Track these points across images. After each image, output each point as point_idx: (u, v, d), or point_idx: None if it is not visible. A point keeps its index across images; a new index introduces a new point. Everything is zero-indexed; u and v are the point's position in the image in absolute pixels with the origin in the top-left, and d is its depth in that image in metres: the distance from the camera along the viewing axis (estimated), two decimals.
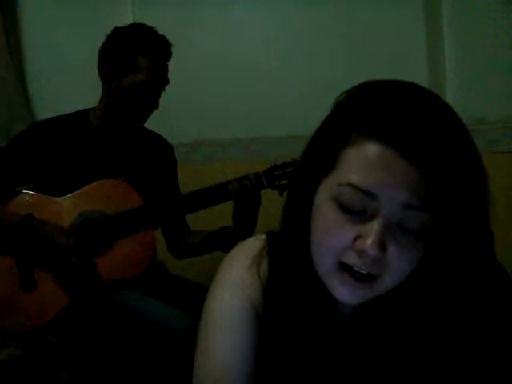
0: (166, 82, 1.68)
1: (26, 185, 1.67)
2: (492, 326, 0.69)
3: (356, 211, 0.63)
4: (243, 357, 0.73)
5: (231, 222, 1.62)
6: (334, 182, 0.65)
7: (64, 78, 2.43)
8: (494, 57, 1.96)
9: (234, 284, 0.76)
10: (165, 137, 1.85)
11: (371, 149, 0.62)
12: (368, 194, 0.62)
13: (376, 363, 0.72)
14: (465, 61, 2.02)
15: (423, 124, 0.62)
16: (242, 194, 1.56)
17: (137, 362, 1.51)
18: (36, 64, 2.51)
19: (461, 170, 0.62)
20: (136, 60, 1.60)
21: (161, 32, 1.66)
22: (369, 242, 0.62)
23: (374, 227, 0.62)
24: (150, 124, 1.76)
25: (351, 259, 0.64)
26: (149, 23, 1.68)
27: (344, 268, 0.65)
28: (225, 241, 1.65)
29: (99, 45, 1.68)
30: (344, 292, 0.66)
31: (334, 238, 0.65)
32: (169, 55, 1.66)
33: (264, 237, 0.80)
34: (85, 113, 1.72)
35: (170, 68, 1.69)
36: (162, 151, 1.81)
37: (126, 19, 1.99)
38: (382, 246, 0.62)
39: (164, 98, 1.70)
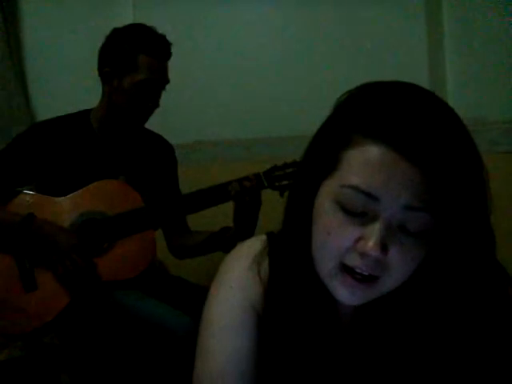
0: (167, 81, 1.68)
1: (27, 185, 1.67)
2: (492, 325, 0.69)
3: (357, 213, 0.63)
4: (244, 358, 0.73)
5: (232, 222, 1.63)
6: (335, 183, 0.65)
7: (64, 79, 2.44)
8: (495, 57, 1.96)
9: (235, 284, 0.76)
10: (165, 137, 1.85)
11: (373, 151, 0.62)
12: (370, 196, 0.62)
13: (377, 363, 0.72)
14: (465, 61, 2.01)
15: (424, 126, 0.62)
16: (243, 194, 1.56)
17: (137, 362, 1.51)
18: (36, 64, 2.51)
19: (462, 171, 0.62)
20: (136, 59, 1.61)
21: (161, 32, 1.66)
22: (370, 243, 0.62)
23: (375, 229, 0.62)
24: (150, 124, 1.76)
25: (353, 261, 0.65)
26: (149, 23, 1.68)
27: (345, 269, 0.66)
28: (225, 241, 1.65)
29: (99, 45, 1.69)
30: (345, 293, 0.67)
31: (335, 239, 0.65)
32: (169, 54, 1.67)
33: (264, 237, 0.80)
34: (85, 113, 1.73)
35: (170, 68, 1.69)
36: (162, 151, 1.82)
37: (126, 19, 1.99)
38: (383, 248, 0.62)
39: (164, 99, 1.70)
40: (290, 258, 0.73)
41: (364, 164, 0.63)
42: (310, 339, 0.73)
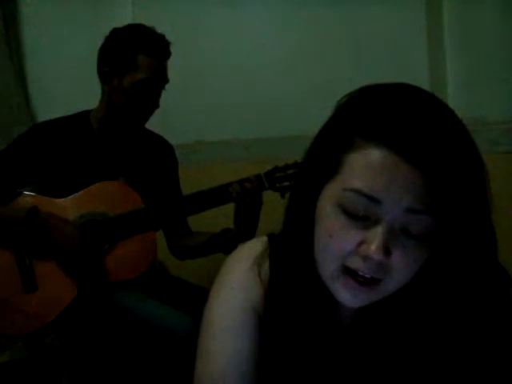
0: (166, 80, 1.68)
1: (27, 186, 1.67)
2: (493, 327, 0.69)
3: (360, 216, 0.63)
4: (244, 359, 0.73)
5: (232, 223, 1.63)
6: (337, 187, 0.65)
7: (64, 79, 2.43)
8: (495, 57, 1.96)
9: (236, 286, 0.76)
10: (165, 137, 1.85)
11: (375, 154, 0.62)
12: (372, 199, 0.62)
13: (378, 365, 0.72)
14: (465, 61, 2.01)
15: (425, 128, 0.62)
16: (244, 196, 1.56)
17: (137, 363, 1.51)
18: (36, 64, 2.51)
19: (463, 172, 0.62)
20: (136, 59, 1.61)
21: (160, 31, 1.66)
22: (373, 247, 0.62)
23: (378, 232, 0.63)
24: (150, 124, 1.76)
25: (355, 263, 0.65)
26: (149, 23, 1.69)
27: (347, 272, 0.66)
28: (226, 243, 1.65)
29: (99, 45, 1.69)
30: (347, 296, 0.67)
31: (337, 242, 0.65)
32: (168, 54, 1.67)
33: (265, 239, 0.80)
34: (85, 114, 1.73)
35: (170, 68, 1.69)
36: (162, 152, 1.82)
37: (126, 19, 1.99)
38: (386, 251, 0.62)
39: (164, 99, 1.70)
40: (290, 260, 0.73)
41: (366, 167, 0.63)
42: (311, 341, 0.73)
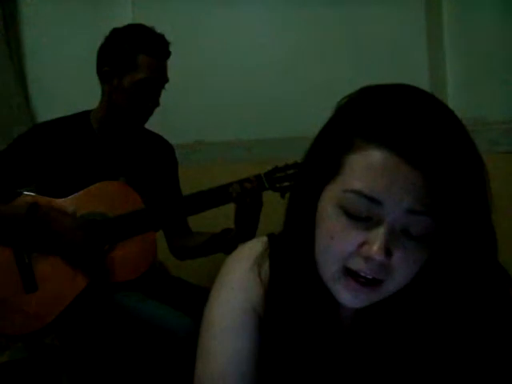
0: (166, 80, 1.69)
1: (27, 186, 1.67)
2: (494, 328, 0.69)
3: (362, 218, 0.64)
4: (244, 359, 0.73)
5: (233, 223, 1.63)
6: (338, 188, 0.65)
7: (64, 79, 2.43)
8: (495, 57, 1.96)
9: (236, 286, 0.76)
10: (165, 137, 1.85)
11: (375, 155, 0.62)
12: (373, 200, 0.62)
13: (378, 366, 0.72)
14: (465, 61, 2.01)
15: (425, 129, 0.62)
16: (244, 196, 1.56)
17: (138, 363, 1.51)
18: (36, 64, 2.51)
19: (463, 173, 0.62)
20: (136, 59, 1.61)
21: (160, 31, 1.66)
22: (375, 248, 0.62)
23: (379, 233, 0.63)
24: (150, 124, 1.76)
25: (357, 264, 0.65)
26: (149, 23, 1.69)
27: (349, 273, 0.66)
28: (226, 243, 1.65)
29: (99, 45, 1.69)
30: (348, 297, 0.67)
31: (339, 244, 0.65)
32: (168, 53, 1.67)
33: (265, 239, 0.80)
34: (85, 114, 1.73)
35: (170, 68, 1.69)
36: (162, 152, 1.82)
37: (125, 19, 1.99)
38: (387, 252, 0.63)
39: (164, 99, 1.70)
40: (291, 260, 0.73)
41: (366, 168, 0.63)
42: (311, 341, 0.73)
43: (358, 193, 0.63)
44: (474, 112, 1.92)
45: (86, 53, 1.76)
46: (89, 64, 1.71)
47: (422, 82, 1.88)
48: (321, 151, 0.69)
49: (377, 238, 0.63)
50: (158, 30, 1.67)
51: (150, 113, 1.70)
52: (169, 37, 1.67)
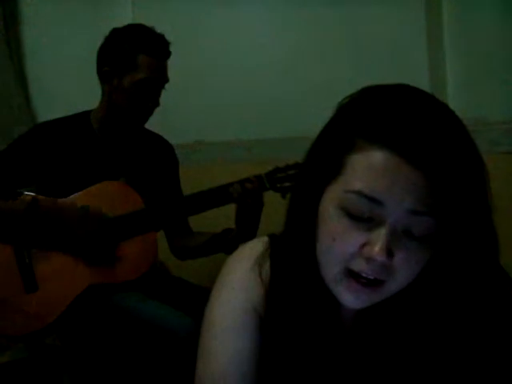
0: (166, 80, 1.69)
1: (28, 186, 1.67)
2: (494, 329, 0.69)
3: (364, 218, 0.64)
4: (245, 359, 0.73)
5: (233, 223, 1.63)
6: (339, 188, 0.65)
7: (64, 79, 2.43)
8: (495, 57, 1.96)
9: (237, 286, 0.77)
10: (165, 137, 1.85)
11: (377, 156, 0.62)
12: (374, 200, 0.62)
13: (378, 366, 0.72)
14: (465, 61, 2.01)
15: (426, 130, 0.62)
16: (245, 196, 1.56)
17: (138, 363, 1.51)
18: (36, 65, 2.51)
19: (463, 173, 0.63)
20: (136, 59, 1.61)
21: (160, 31, 1.67)
22: (377, 249, 0.62)
23: (381, 234, 0.63)
24: (150, 124, 1.76)
25: (358, 265, 0.65)
26: (149, 23, 1.69)
27: (351, 274, 0.66)
28: (227, 243, 1.65)
29: (99, 45, 1.69)
30: (350, 298, 0.67)
31: (340, 245, 0.65)
32: (168, 53, 1.67)
33: (266, 239, 0.80)
34: (85, 114, 1.73)
35: (170, 68, 1.70)
36: (163, 152, 1.82)
37: (126, 19, 1.99)
38: (389, 253, 0.63)
39: (165, 99, 1.70)
40: (292, 260, 0.73)
41: (368, 169, 0.63)
42: (312, 341, 0.73)
43: (359, 193, 0.63)
44: (474, 112, 1.92)
45: (86, 53, 1.77)
46: (89, 64, 1.72)
47: (422, 82, 1.88)
48: (322, 151, 0.69)
49: (378, 239, 0.63)
50: (158, 29, 1.67)
51: (150, 113, 1.70)
52: (169, 37, 1.67)
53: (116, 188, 1.66)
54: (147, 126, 1.76)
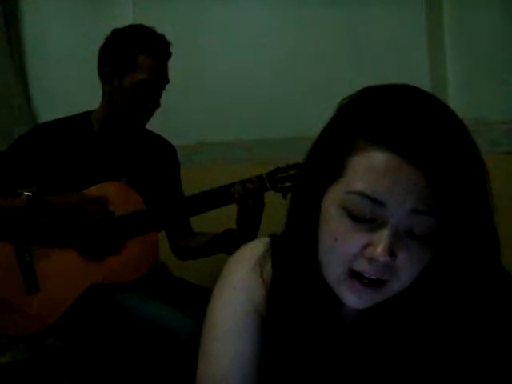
0: (167, 80, 1.69)
1: (28, 187, 1.67)
2: (496, 329, 0.69)
3: (366, 219, 0.64)
4: (247, 361, 0.73)
5: (235, 224, 1.63)
6: (341, 190, 0.65)
7: (65, 79, 2.44)
8: (495, 57, 1.96)
9: (238, 286, 0.77)
10: (167, 138, 1.85)
11: (378, 157, 0.62)
12: (375, 201, 0.63)
13: (379, 365, 0.72)
14: (466, 62, 2.01)
15: (427, 130, 0.62)
16: (246, 197, 1.56)
17: (139, 364, 1.51)
18: (37, 65, 2.51)
19: (464, 173, 0.63)
20: (136, 59, 1.62)
21: (161, 31, 1.67)
22: (379, 249, 0.62)
23: (384, 235, 0.63)
24: (151, 125, 1.76)
25: (361, 266, 0.65)
26: (149, 23, 1.69)
27: (354, 275, 0.66)
28: (228, 243, 1.65)
29: (100, 45, 1.69)
30: (353, 298, 0.67)
31: (342, 245, 0.65)
32: (169, 54, 1.68)
33: (267, 239, 0.80)
34: (86, 115, 1.73)
35: (171, 69, 1.70)
36: (164, 153, 1.82)
37: (126, 19, 2.00)
38: (391, 253, 0.63)
39: (166, 100, 1.70)
40: (293, 261, 0.73)
41: (369, 170, 0.63)
42: (313, 341, 0.73)
43: (361, 194, 0.63)
44: (474, 112, 1.92)
45: (87, 53, 1.77)
46: (89, 64, 1.72)
47: (423, 82, 1.88)
48: (323, 153, 0.69)
49: (381, 240, 0.63)
50: (159, 30, 1.67)
51: (151, 113, 1.70)
52: (169, 37, 1.67)
53: (117, 189, 1.66)
54: (148, 126, 1.76)
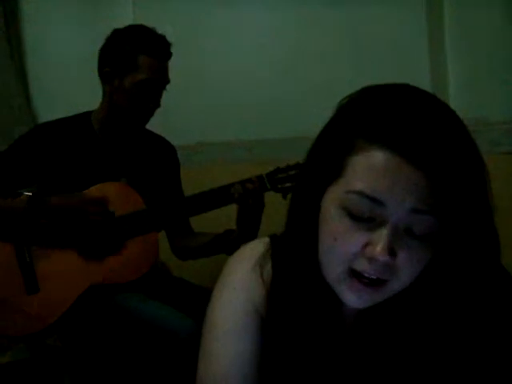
0: (167, 81, 1.69)
1: (28, 187, 1.67)
2: (496, 328, 0.69)
3: (365, 218, 0.64)
4: (247, 361, 0.73)
5: (235, 224, 1.63)
6: (340, 189, 0.65)
7: (65, 79, 2.44)
8: (496, 58, 1.96)
9: (238, 287, 0.77)
10: (167, 138, 1.85)
11: (377, 156, 0.62)
12: (375, 200, 0.63)
13: (380, 365, 0.72)
14: (467, 62, 2.01)
15: (427, 129, 0.62)
16: (246, 197, 1.56)
17: (139, 364, 1.51)
18: (37, 65, 2.51)
19: (464, 173, 0.63)
20: (137, 60, 1.62)
21: (161, 32, 1.67)
22: (379, 249, 0.62)
23: (383, 234, 0.63)
24: (152, 125, 1.76)
25: (361, 265, 0.65)
26: (149, 23, 1.69)
27: (353, 274, 0.66)
28: (229, 243, 1.65)
29: (100, 46, 1.69)
30: (353, 297, 0.67)
31: (342, 245, 0.65)
32: (169, 54, 1.68)
33: (267, 240, 0.80)
34: (86, 115, 1.73)
35: (171, 69, 1.70)
36: (164, 153, 1.82)
37: (126, 19, 2.00)
38: (391, 253, 0.63)
39: (166, 100, 1.70)
40: (293, 261, 0.73)
41: (368, 169, 0.63)
42: (314, 341, 0.73)
43: (360, 193, 0.63)
44: (475, 112, 1.92)
45: (87, 53, 1.77)
46: (90, 64, 1.72)
47: (423, 82, 1.87)
48: (322, 153, 0.69)
49: (380, 239, 0.63)
50: (159, 30, 1.67)
51: (151, 114, 1.70)
52: (169, 37, 1.67)
53: (117, 189, 1.66)
54: (149, 127, 1.76)
